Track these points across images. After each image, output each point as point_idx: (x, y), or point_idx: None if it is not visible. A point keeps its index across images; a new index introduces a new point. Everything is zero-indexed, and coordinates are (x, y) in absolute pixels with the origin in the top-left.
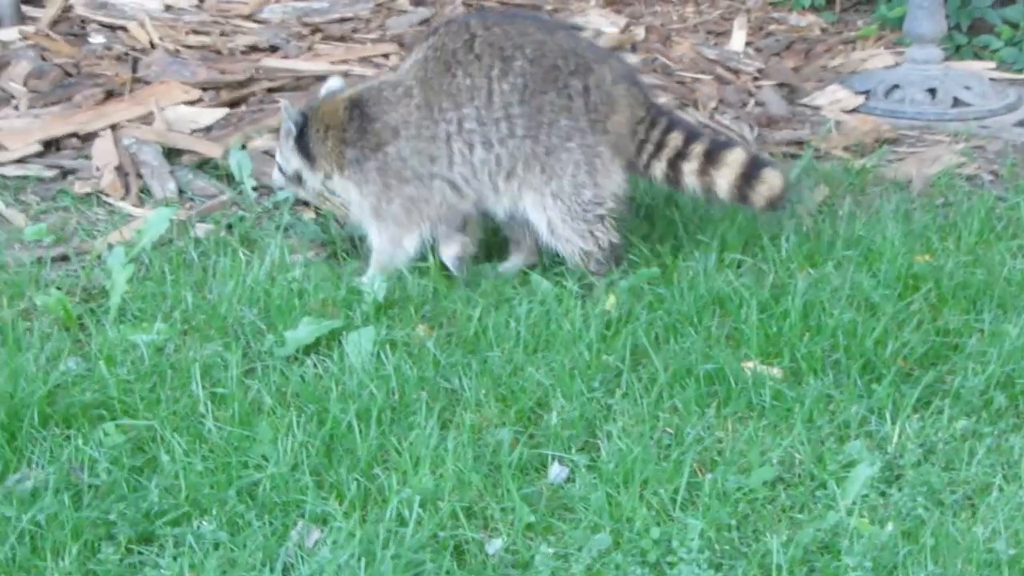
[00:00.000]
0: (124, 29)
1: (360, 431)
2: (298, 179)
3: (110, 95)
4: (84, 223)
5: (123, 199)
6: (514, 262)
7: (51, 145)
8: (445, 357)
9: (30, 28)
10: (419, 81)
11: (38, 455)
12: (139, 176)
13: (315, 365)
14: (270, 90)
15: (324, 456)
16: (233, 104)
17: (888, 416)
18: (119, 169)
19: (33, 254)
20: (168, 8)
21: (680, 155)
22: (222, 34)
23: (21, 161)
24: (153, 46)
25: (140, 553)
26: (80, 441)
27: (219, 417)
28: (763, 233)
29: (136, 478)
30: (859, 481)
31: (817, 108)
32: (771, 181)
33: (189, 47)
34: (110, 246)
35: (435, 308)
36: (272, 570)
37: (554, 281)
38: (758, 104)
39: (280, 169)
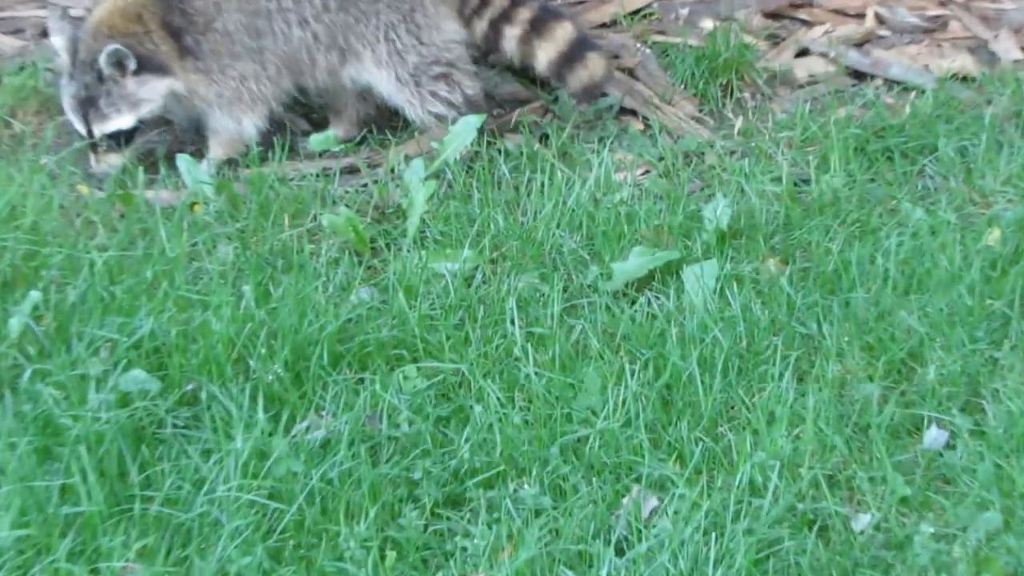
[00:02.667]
0: None
1: (703, 382)
2: (163, 107)
3: None
4: (375, 132)
5: None
6: (331, 131)
7: None
8: (801, 297)
9: None
10: None
11: (328, 401)
12: None
13: (648, 303)
14: None
15: (661, 411)
16: None
17: None
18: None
19: (318, 165)
20: None
21: (504, 16)
22: None
23: None
24: None
25: (448, 519)
26: (377, 386)
27: (538, 361)
28: None
29: (442, 431)
30: None
31: None
32: (593, 67)
33: None
34: (407, 158)
35: (787, 239)
36: (606, 542)
37: (927, 210)
38: None
39: (120, 133)
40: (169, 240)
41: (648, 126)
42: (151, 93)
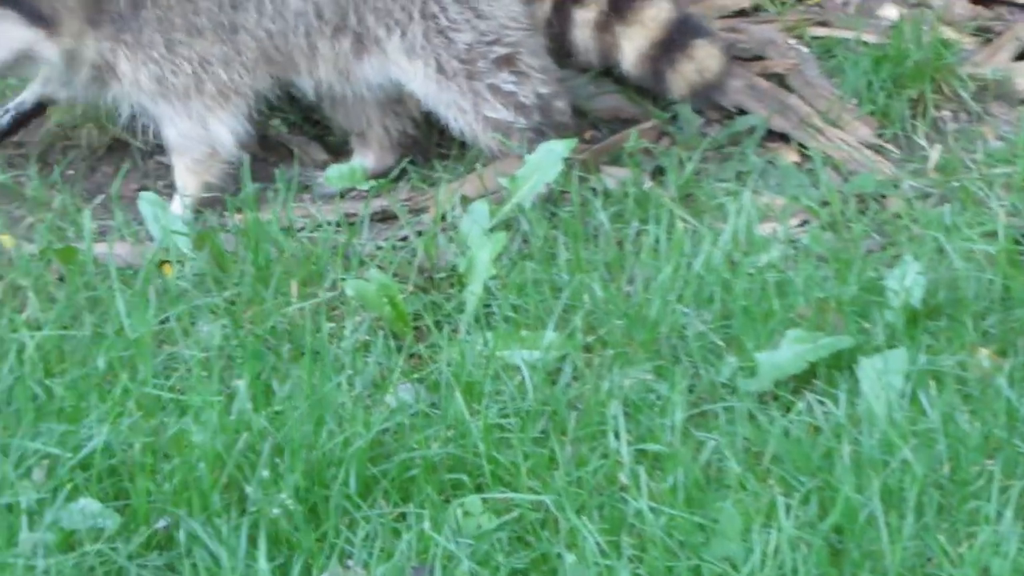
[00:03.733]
0: None
1: (887, 524)
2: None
3: None
4: (417, 161)
5: None
6: (357, 162)
7: None
8: None
9: None
10: None
11: (358, 546)
12: None
13: (809, 410)
14: None
15: (828, 564)
16: None
17: None
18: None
19: (339, 210)
20: None
21: None
22: None
23: None
24: None
25: None
26: (426, 524)
27: (653, 492)
28: None
29: None
30: None
31: None
32: (702, 59)
33: None
34: (464, 200)
35: (1005, 320)
36: None
37: None
38: None
39: None
40: (129, 315)
41: (806, 157)
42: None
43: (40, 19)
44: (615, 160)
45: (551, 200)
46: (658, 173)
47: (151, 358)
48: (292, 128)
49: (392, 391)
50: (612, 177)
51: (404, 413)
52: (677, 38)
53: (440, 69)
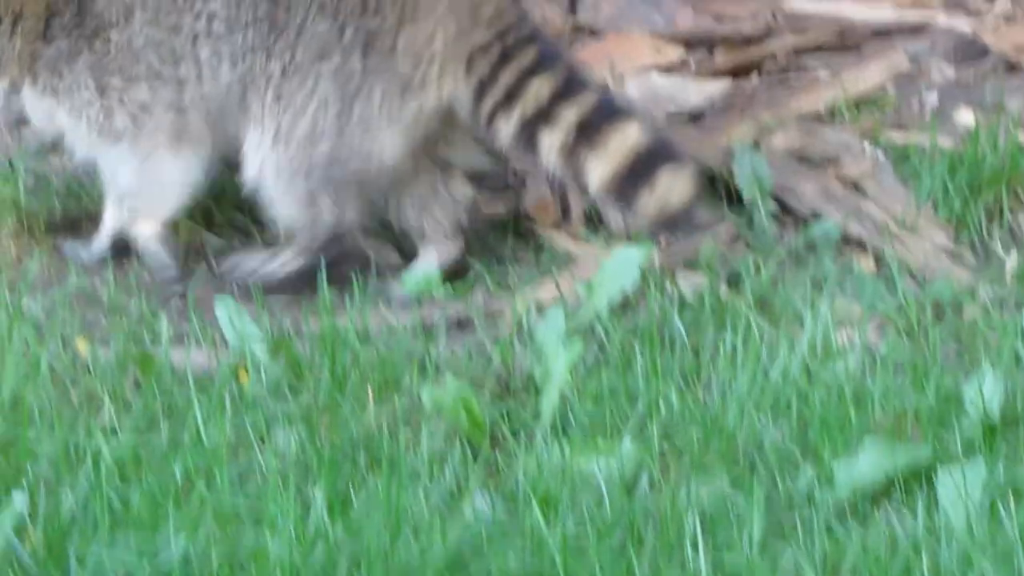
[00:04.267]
0: None
1: None
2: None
3: None
4: (492, 265)
5: (557, 227)
6: (425, 262)
7: None
8: None
9: None
10: None
11: None
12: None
13: (887, 522)
14: (797, 51)
15: None
16: (738, 72)
17: None
18: (551, 178)
19: (415, 316)
20: None
21: (542, 116)
22: None
23: None
24: None
25: None
26: None
27: None
28: None
29: None
30: None
31: None
32: (663, 190)
33: None
34: (539, 307)
35: None
36: None
37: None
38: None
39: None
40: (206, 423)
41: (882, 264)
42: None
43: None
44: (691, 266)
45: (627, 307)
46: (734, 279)
47: (228, 467)
48: (366, 233)
49: (469, 501)
50: (688, 283)
51: (481, 524)
52: (642, 167)
53: (291, 159)
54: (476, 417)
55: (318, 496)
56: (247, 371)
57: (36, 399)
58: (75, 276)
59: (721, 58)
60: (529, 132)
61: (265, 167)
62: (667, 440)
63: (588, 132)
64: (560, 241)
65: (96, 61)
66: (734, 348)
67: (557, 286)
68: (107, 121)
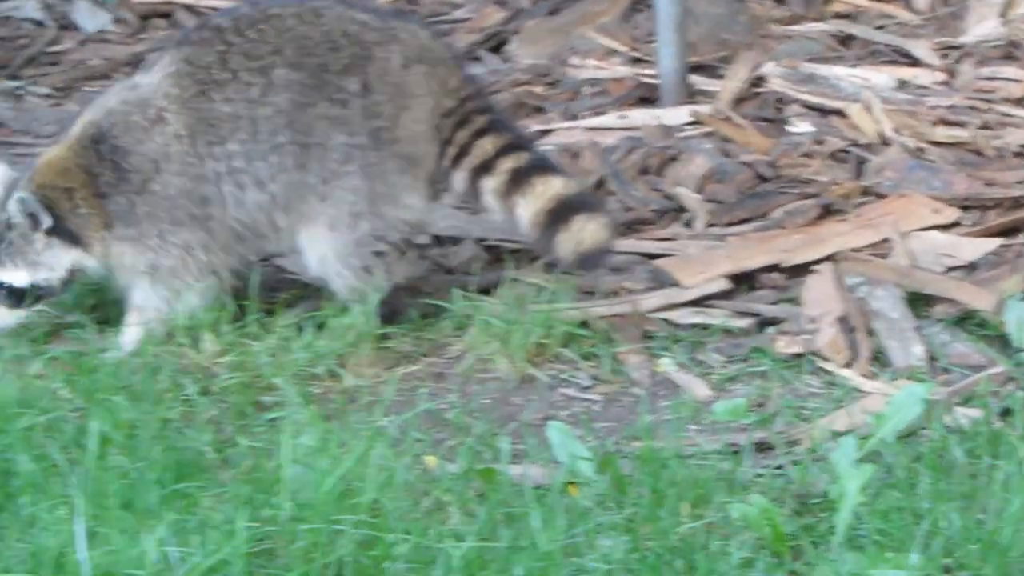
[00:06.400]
0: (841, 114)
1: None
2: (67, 281)
3: (826, 211)
4: (791, 398)
5: (848, 366)
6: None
7: (742, 281)
8: None
9: (705, 108)
10: (173, 101)
11: None
12: (870, 333)
13: None
14: None
15: None
16: (1007, 232)
17: None
18: (842, 321)
19: (723, 440)
20: (903, 85)
21: (485, 167)
22: (984, 126)
23: (699, 304)
24: (885, 141)
25: None
26: None
27: None
28: None
29: None
30: None
31: None
32: (579, 233)
33: (937, 143)
34: (834, 435)
35: None
36: None
37: None
38: None
39: (12, 290)
40: (542, 530)
41: None
42: (53, 261)
43: (72, 237)
44: (966, 401)
45: (911, 436)
46: (1006, 413)
47: (561, 569)
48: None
49: None
50: (965, 417)
51: None
52: (562, 211)
53: (343, 244)
54: (779, 530)
55: None
56: (576, 486)
57: (392, 506)
58: (424, 400)
59: (991, 218)
60: (474, 179)
61: (324, 255)
62: (949, 555)
63: (519, 179)
64: (851, 378)
65: (149, 210)
66: (1007, 475)
67: (847, 416)
68: (161, 260)
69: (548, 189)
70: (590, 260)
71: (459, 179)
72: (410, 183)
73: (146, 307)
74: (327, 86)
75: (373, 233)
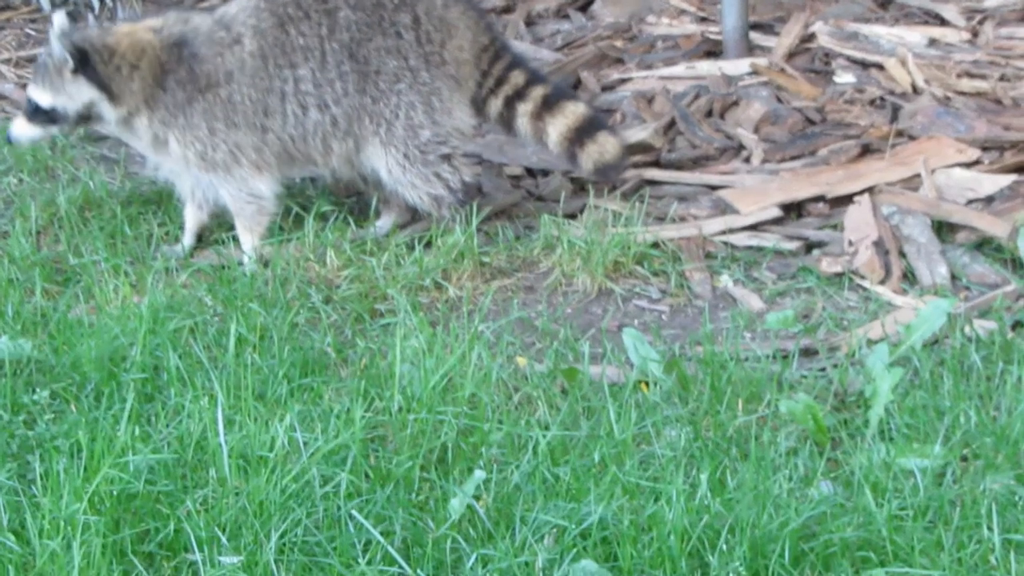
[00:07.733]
0: (880, 67)
1: None
2: (84, 117)
3: (865, 150)
4: (832, 310)
5: (882, 283)
6: (385, 221)
7: (791, 210)
8: None
9: (762, 61)
10: (251, 29)
11: None
12: (901, 255)
13: None
14: None
15: None
16: (1021, 169)
17: None
18: (877, 245)
19: (774, 346)
20: (933, 43)
21: (518, 95)
22: (1002, 79)
23: (755, 228)
24: (916, 91)
25: None
26: None
27: (1017, 573)
28: None
29: None
30: None
31: None
32: (603, 145)
33: (961, 93)
34: (869, 342)
35: None
36: None
37: None
38: None
39: (37, 108)
40: (617, 421)
41: None
42: (75, 92)
43: (105, 88)
44: (984, 315)
45: (936, 344)
46: (1017, 325)
47: (633, 455)
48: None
49: (815, 486)
50: (982, 328)
51: (825, 504)
52: (587, 128)
53: (407, 155)
54: (820, 423)
55: (702, 479)
56: (647, 384)
57: (488, 400)
58: (516, 309)
59: (1007, 158)
60: (509, 105)
61: (392, 168)
62: (966, 446)
63: (549, 103)
64: (884, 293)
65: (207, 109)
66: (1019, 378)
67: (880, 326)
68: (213, 154)
69: (576, 109)
70: (609, 170)
71: (495, 105)
72: (460, 100)
73: (238, 209)
74: (383, 22)
75: (435, 139)
